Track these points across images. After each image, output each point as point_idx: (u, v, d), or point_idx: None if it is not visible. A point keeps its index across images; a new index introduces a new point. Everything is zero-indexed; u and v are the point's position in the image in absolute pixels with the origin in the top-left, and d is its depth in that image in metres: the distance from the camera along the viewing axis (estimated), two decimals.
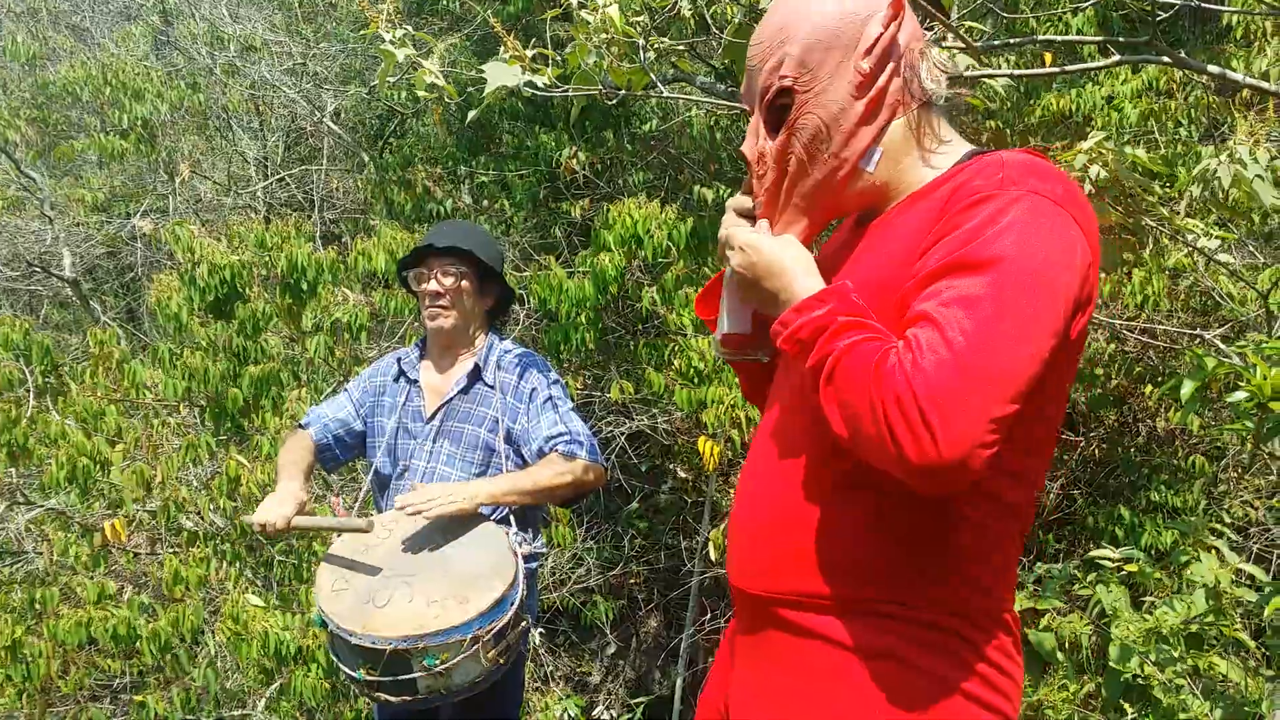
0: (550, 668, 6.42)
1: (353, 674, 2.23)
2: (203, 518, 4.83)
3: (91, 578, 4.48)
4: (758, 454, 1.45)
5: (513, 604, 2.27)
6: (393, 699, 2.21)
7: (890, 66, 1.31)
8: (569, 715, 5.50)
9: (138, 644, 4.27)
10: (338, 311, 5.25)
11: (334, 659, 2.34)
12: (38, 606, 4.53)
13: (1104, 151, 2.24)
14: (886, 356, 1.16)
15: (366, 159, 7.99)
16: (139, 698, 4.42)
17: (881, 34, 1.30)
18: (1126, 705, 3.26)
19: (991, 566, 1.28)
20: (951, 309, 1.14)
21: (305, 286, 5.25)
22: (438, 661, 2.14)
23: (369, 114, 8.60)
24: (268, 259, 5.22)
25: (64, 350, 6.72)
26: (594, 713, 6.61)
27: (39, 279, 8.30)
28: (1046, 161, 1.24)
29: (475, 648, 2.18)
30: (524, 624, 2.35)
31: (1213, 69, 2.33)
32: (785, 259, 1.34)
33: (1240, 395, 2.47)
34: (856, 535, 1.29)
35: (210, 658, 4.56)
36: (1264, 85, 2.40)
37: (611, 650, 7.00)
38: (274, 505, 2.50)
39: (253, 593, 4.54)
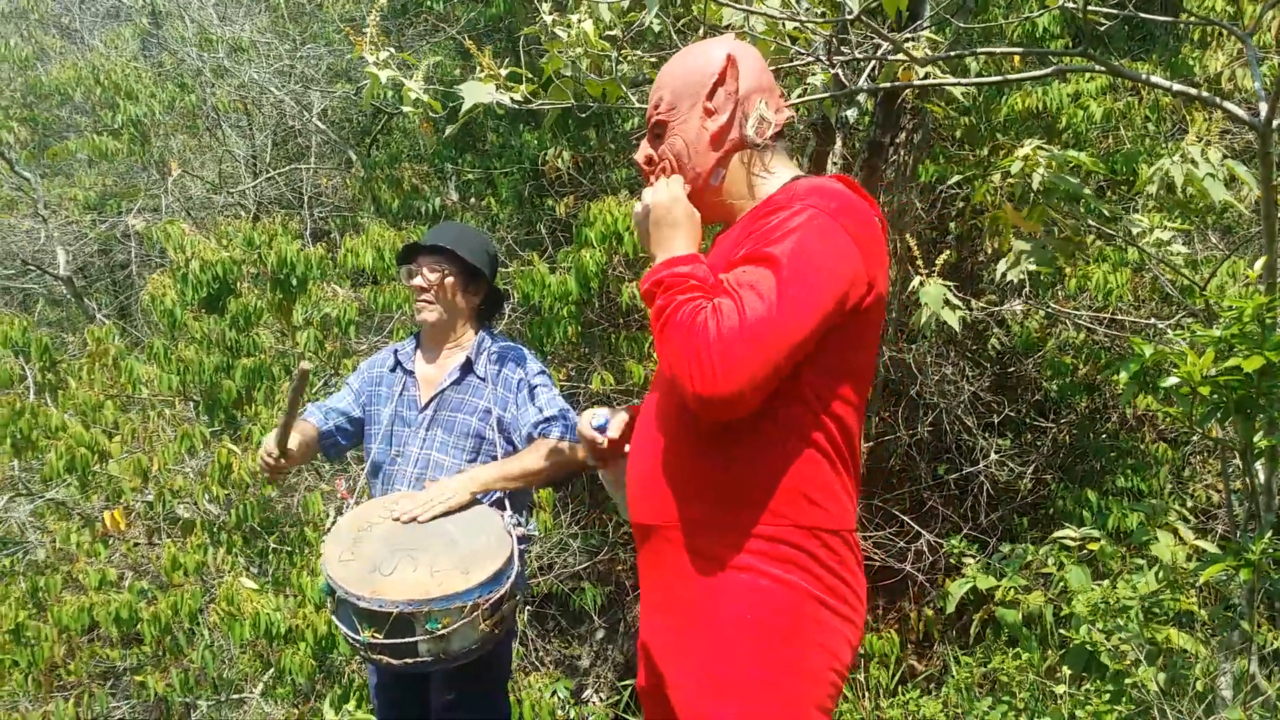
0: (540, 652, 6.56)
1: (356, 637, 2.37)
2: (198, 506, 4.96)
3: (93, 565, 4.61)
4: (641, 420, 1.85)
5: (509, 578, 2.43)
6: (394, 661, 2.35)
7: (731, 110, 1.77)
8: (559, 697, 5.64)
9: (138, 627, 4.40)
10: (327, 306, 5.40)
11: (337, 624, 2.49)
12: (41, 595, 4.66)
13: (1041, 157, 2.40)
14: (699, 314, 1.58)
15: (354, 157, 8.10)
16: (139, 678, 4.54)
17: (715, 80, 1.76)
18: (1082, 673, 3.45)
19: (817, 484, 1.64)
20: (744, 290, 1.57)
21: (295, 282, 5.39)
22: (440, 626, 2.29)
23: (355, 112, 8.70)
24: (257, 256, 5.35)
25: (61, 347, 6.82)
26: (583, 695, 6.75)
27: (33, 277, 8.40)
28: (832, 184, 1.68)
29: (474, 615, 2.33)
30: (518, 598, 2.52)
31: (1143, 77, 2.51)
32: (684, 218, 1.77)
33: (1172, 381, 2.66)
34: (697, 467, 1.68)
35: (207, 642, 4.69)
36: (1189, 91, 2.57)
37: (600, 635, 7.13)
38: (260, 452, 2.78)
39: (247, 577, 4.67)
